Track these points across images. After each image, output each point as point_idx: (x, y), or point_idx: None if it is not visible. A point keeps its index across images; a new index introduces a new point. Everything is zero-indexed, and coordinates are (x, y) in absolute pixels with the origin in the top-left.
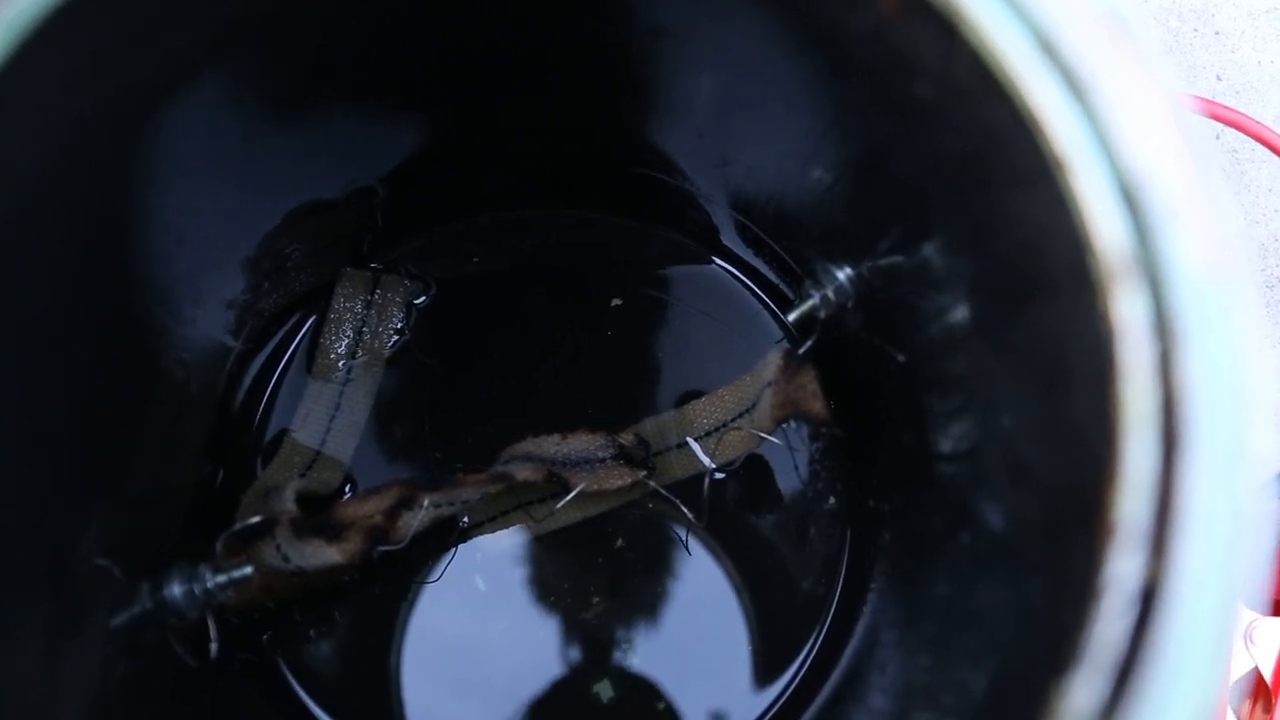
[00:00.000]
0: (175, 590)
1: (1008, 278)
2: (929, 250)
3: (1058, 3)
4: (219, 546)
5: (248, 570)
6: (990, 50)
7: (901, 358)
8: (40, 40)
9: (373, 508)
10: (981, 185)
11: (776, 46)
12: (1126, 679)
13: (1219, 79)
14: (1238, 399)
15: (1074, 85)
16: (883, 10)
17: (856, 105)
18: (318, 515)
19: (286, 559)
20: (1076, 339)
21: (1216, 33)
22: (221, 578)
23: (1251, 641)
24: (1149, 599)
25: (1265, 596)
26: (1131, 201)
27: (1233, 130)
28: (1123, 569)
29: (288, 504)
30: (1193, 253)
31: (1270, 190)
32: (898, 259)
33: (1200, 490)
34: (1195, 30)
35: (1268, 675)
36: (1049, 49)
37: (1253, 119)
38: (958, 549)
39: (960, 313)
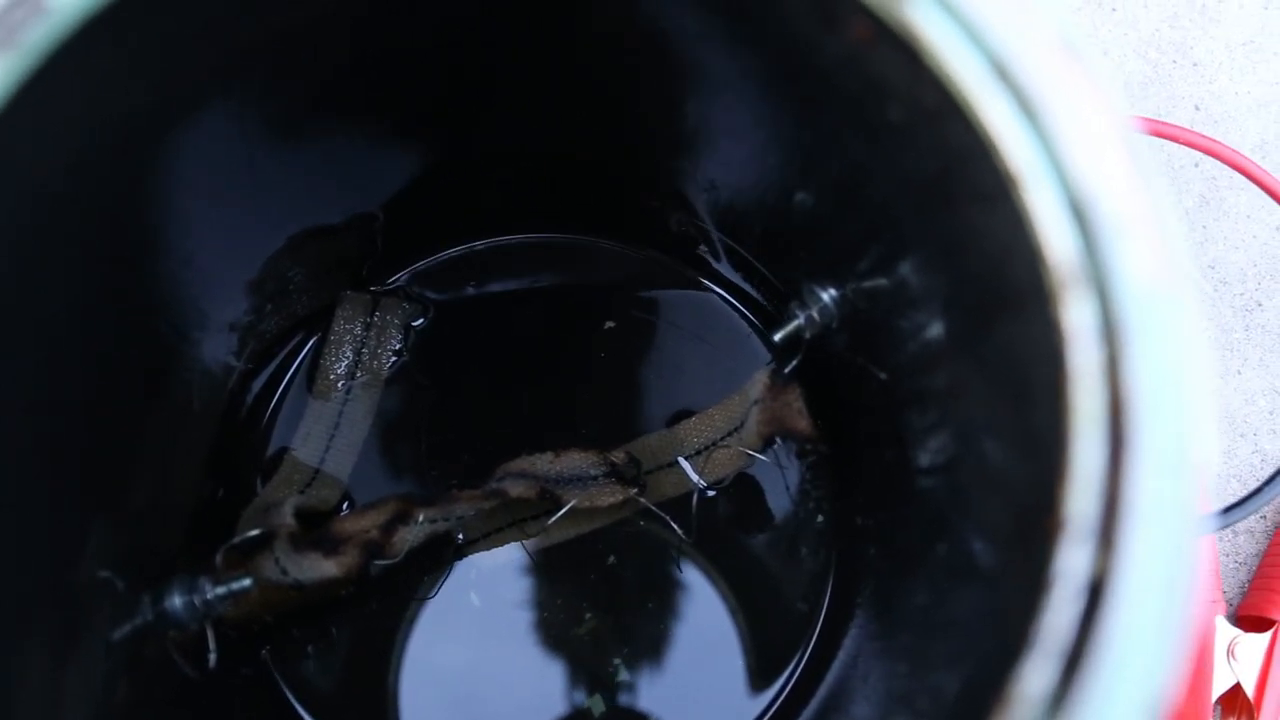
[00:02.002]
0: (176, 602)
1: (977, 293)
2: (905, 269)
3: (1012, 29)
4: (219, 559)
5: (246, 583)
6: (948, 74)
7: (883, 375)
8: (56, 66)
9: (369, 522)
10: (950, 204)
11: (761, 73)
12: (1076, 665)
13: (1198, 109)
14: (1180, 400)
15: (1026, 107)
16: (855, 37)
17: (835, 129)
18: (315, 530)
19: (284, 572)
20: (1037, 349)
21: (1195, 64)
22: (221, 589)
23: (1234, 657)
24: (1097, 590)
25: (1244, 613)
26: (1081, 216)
27: (1212, 159)
28: (1072, 562)
29: (286, 519)
30: (1138, 263)
31: (1249, 217)
32: (877, 279)
33: (1145, 486)
34: (1174, 61)
35: (1249, 690)
36: (1003, 73)
37: (1230, 148)
38: (935, 560)
39: (936, 329)
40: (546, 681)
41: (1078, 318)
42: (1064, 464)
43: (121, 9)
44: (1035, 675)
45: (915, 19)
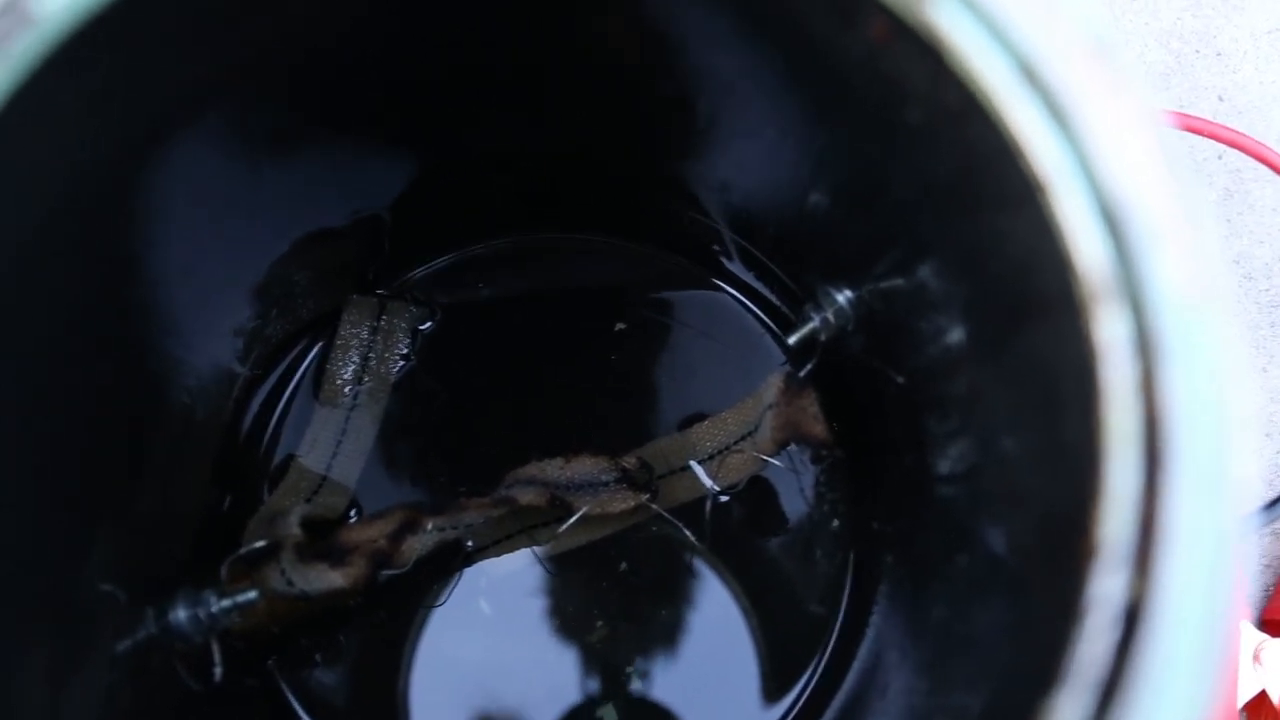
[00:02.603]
0: (180, 615)
1: (1001, 300)
2: (925, 272)
3: (1039, 28)
4: (224, 571)
5: (252, 595)
6: (973, 76)
7: (901, 380)
8: (46, 75)
9: (376, 532)
10: (972, 208)
11: (774, 73)
12: (1111, 697)
13: (1221, 100)
14: (1220, 418)
15: (1055, 109)
16: (873, 37)
17: (852, 130)
18: (322, 540)
19: (291, 583)
20: (1065, 360)
21: (1218, 54)
22: (226, 602)
23: (1259, 663)
24: (1133, 618)
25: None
26: (1112, 223)
27: (1236, 151)
28: (1106, 588)
29: (292, 528)
30: (1173, 273)
31: (1274, 210)
32: (895, 281)
33: (1183, 509)
34: (1197, 52)
35: (1275, 697)
36: (1030, 74)
37: (1255, 139)
38: (956, 571)
39: (957, 335)
40: (558, 690)
41: (1111, 331)
42: (1097, 485)
43: (110, 21)
44: (1069, 707)
45: (939, 20)
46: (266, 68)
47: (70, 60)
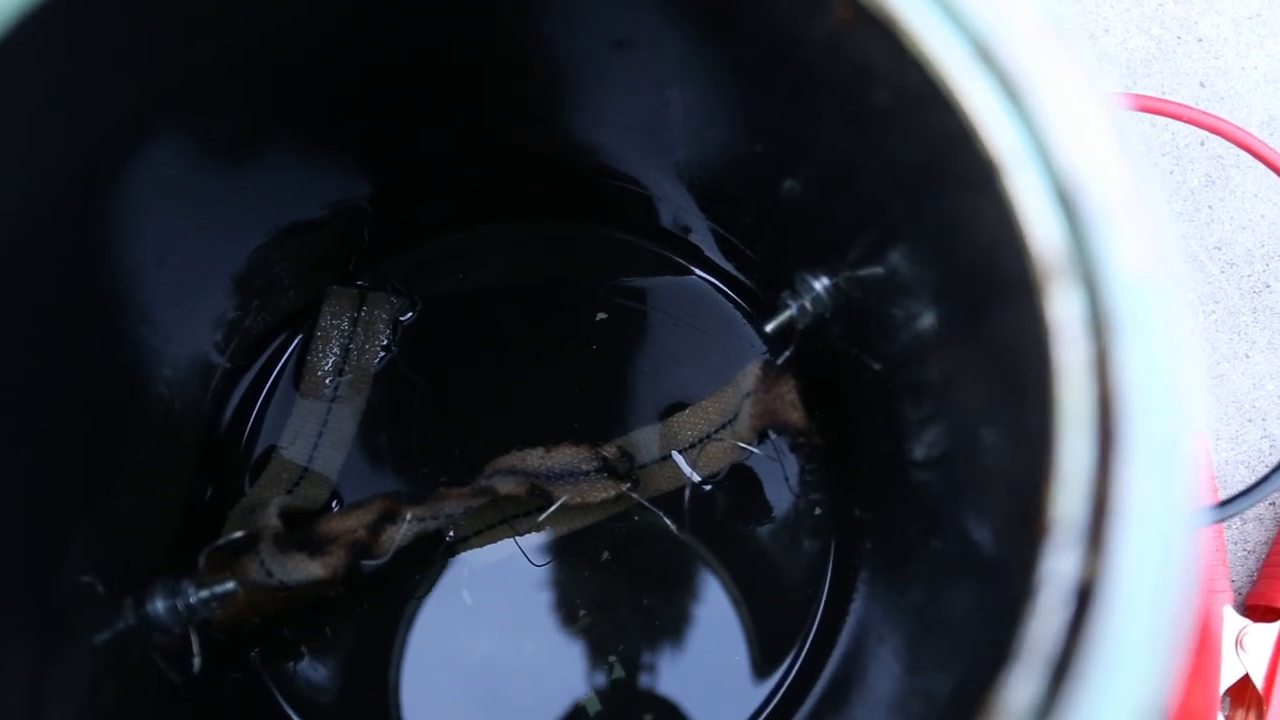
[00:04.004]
0: (158, 606)
1: (968, 283)
2: (896, 257)
3: (994, 10)
4: (201, 561)
5: (230, 585)
6: (929, 58)
7: (877, 366)
8: (9, 56)
9: (355, 522)
10: (938, 191)
11: (743, 60)
12: (1063, 675)
13: (1203, 85)
14: (1172, 397)
15: (1010, 90)
16: (836, 20)
17: (821, 116)
18: (301, 530)
19: (270, 573)
20: (1026, 342)
21: (1200, 39)
22: (205, 593)
23: (1242, 648)
24: (1085, 596)
25: (1254, 604)
26: (1067, 203)
27: (1218, 137)
28: (1058, 566)
29: (272, 519)
30: (1127, 253)
31: (1256, 196)
32: (869, 267)
33: (1136, 488)
34: (1178, 38)
35: (1259, 682)
36: (985, 55)
37: (1236, 125)
38: (930, 555)
39: (928, 319)
40: (540, 680)
41: (1064, 310)
42: (1051, 463)
43: (37, 33)
44: (1021, 685)
45: (894, 1)
46: (213, 76)
47: (18, 55)
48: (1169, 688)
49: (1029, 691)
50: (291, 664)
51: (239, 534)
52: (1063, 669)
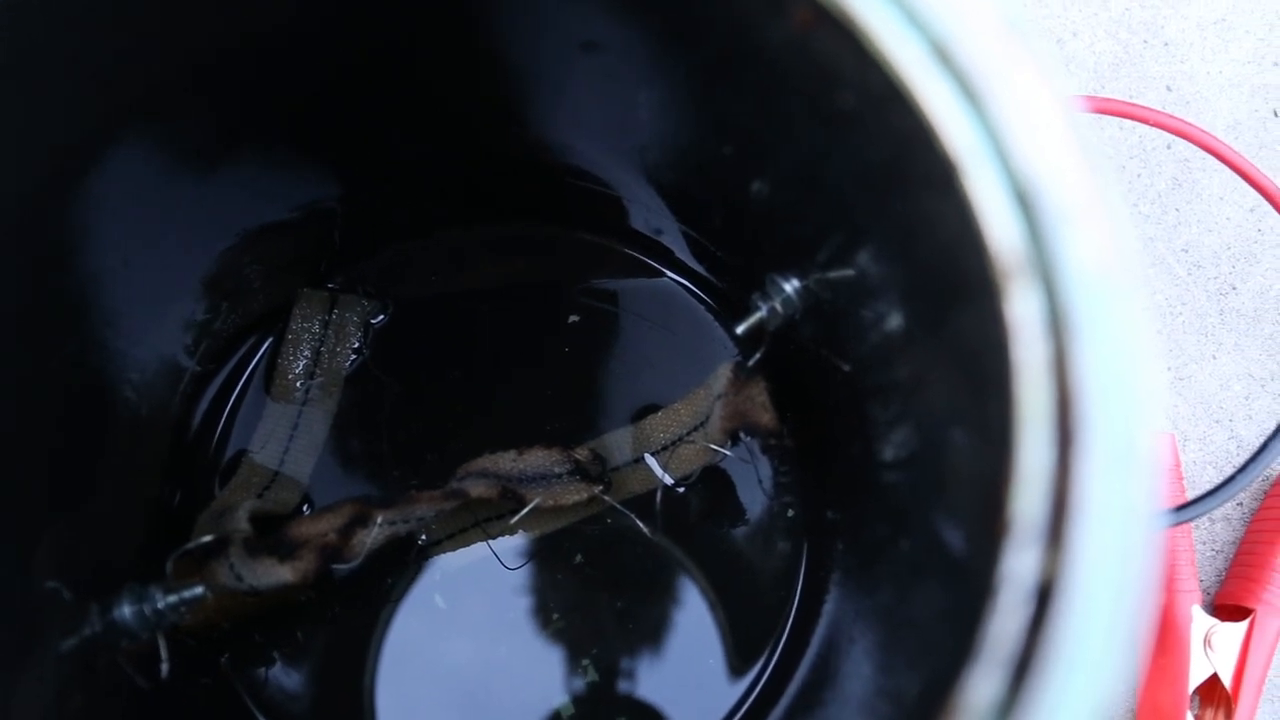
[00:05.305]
0: (125, 611)
1: (933, 284)
2: (864, 258)
3: (953, 11)
4: (169, 566)
5: (199, 590)
6: (887, 59)
7: (847, 368)
8: None
9: (326, 526)
10: (902, 191)
11: (710, 62)
12: (1024, 673)
13: (1169, 89)
14: (1131, 396)
15: (968, 91)
16: (798, 20)
17: (789, 117)
18: (272, 534)
19: (239, 578)
20: (988, 342)
21: (1166, 44)
22: (172, 598)
23: (1211, 647)
24: (1045, 594)
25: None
26: (1026, 204)
27: (1184, 140)
28: (1018, 564)
29: (241, 523)
30: (1085, 253)
31: (1221, 199)
32: (838, 269)
33: (1095, 486)
34: (1145, 42)
35: (1227, 681)
36: (944, 56)
37: (1201, 129)
38: (899, 556)
39: (895, 320)
40: (514, 685)
41: (1023, 310)
42: (1011, 462)
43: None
44: (983, 684)
45: (853, 2)
46: (180, 83)
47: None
48: (1128, 685)
49: (990, 690)
50: (263, 670)
51: (208, 538)
52: (1024, 667)
